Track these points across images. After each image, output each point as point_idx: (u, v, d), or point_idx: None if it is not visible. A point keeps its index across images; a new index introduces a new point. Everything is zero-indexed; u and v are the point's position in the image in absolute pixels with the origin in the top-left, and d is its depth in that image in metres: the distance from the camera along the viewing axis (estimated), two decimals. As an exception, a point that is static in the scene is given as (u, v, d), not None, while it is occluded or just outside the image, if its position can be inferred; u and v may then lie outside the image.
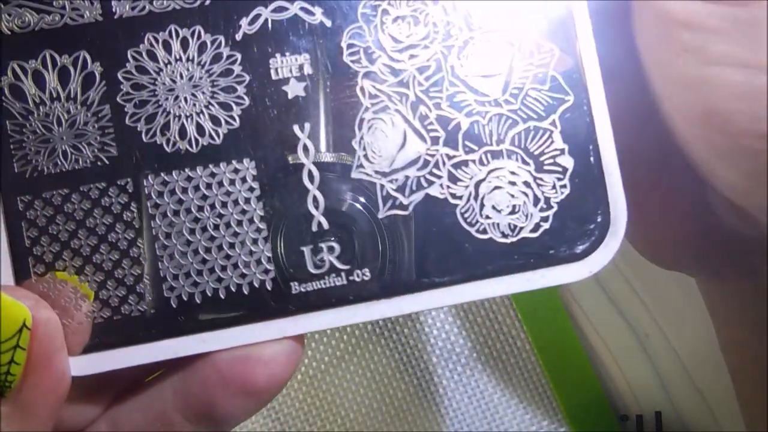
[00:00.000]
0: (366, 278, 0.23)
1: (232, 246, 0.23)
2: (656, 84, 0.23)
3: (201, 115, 0.23)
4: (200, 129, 0.23)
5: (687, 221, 0.28)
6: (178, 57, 0.23)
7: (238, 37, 0.23)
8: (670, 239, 0.29)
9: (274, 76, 0.23)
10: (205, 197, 0.23)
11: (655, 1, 0.22)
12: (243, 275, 0.23)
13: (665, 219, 0.28)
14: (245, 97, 0.23)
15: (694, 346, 0.44)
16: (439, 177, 0.23)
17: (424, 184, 0.23)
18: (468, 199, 0.23)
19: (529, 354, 0.47)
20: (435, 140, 0.23)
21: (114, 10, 0.23)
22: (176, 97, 0.23)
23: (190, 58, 0.23)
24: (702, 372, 0.44)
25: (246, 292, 0.23)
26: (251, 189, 0.23)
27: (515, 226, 0.23)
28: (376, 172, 0.23)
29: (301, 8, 0.23)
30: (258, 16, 0.23)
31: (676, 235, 0.28)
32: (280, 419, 0.46)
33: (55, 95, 0.23)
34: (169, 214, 0.23)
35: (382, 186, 0.23)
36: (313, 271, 0.23)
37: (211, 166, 0.23)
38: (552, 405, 0.47)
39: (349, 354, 0.46)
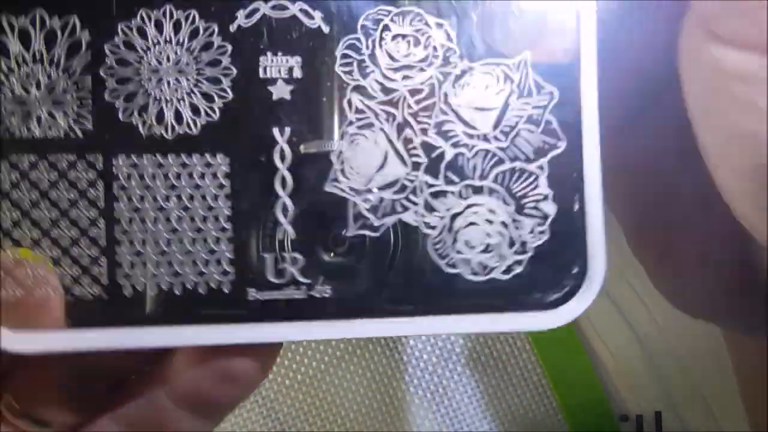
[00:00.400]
0: (326, 295, 0.22)
1: (193, 241, 0.22)
2: (703, 134, 0.23)
3: (182, 102, 0.22)
4: (178, 116, 0.22)
5: (725, 273, 0.27)
6: (168, 39, 0.22)
7: (232, 28, 0.22)
8: (705, 290, 0.28)
9: (261, 75, 0.22)
10: (173, 187, 0.22)
11: (706, 51, 0.21)
12: (201, 273, 0.22)
13: (701, 269, 0.27)
14: (229, 91, 0.22)
15: (694, 346, 0.44)
16: (415, 204, 0.22)
17: (399, 209, 0.22)
18: (441, 231, 0.23)
19: (529, 354, 0.46)
20: (416, 166, 0.22)
21: None
22: (159, 80, 0.22)
23: (180, 42, 0.22)
24: (702, 372, 0.44)
25: (202, 292, 0.22)
26: (221, 186, 0.22)
27: (486, 266, 0.23)
28: (351, 188, 0.22)
29: (301, 9, 0.22)
30: (256, 10, 0.22)
31: (712, 286, 0.28)
32: (280, 419, 0.46)
33: (38, 57, 0.22)
34: (134, 199, 0.22)
35: (355, 204, 0.22)
36: (273, 279, 0.22)
37: (183, 155, 0.22)
38: (552, 405, 0.46)
39: (349, 354, 0.46)
